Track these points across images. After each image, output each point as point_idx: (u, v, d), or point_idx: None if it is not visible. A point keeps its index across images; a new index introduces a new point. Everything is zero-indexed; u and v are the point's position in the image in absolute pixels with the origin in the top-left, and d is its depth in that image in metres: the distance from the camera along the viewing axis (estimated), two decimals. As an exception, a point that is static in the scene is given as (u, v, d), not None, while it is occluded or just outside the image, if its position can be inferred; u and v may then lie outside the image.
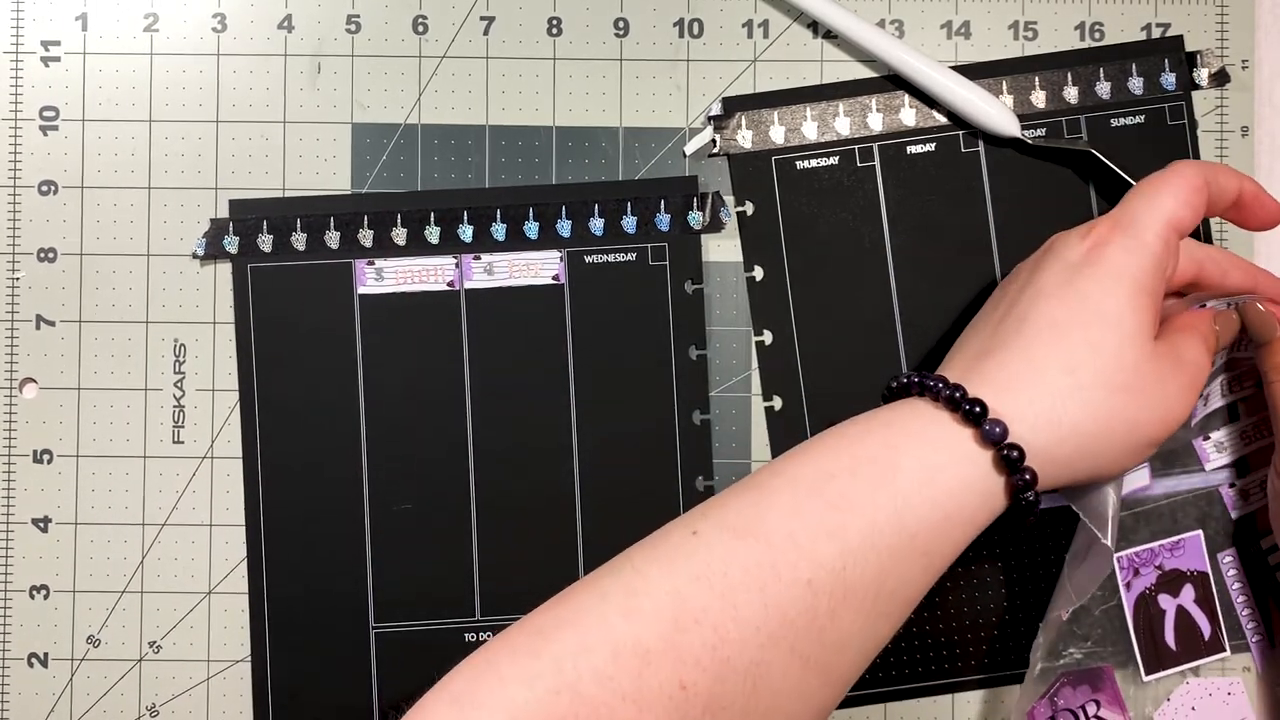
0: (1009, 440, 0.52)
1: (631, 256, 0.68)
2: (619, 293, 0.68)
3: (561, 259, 0.68)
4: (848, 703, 0.67)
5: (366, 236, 0.67)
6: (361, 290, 0.67)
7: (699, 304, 0.68)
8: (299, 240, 0.67)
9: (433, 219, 0.67)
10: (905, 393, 0.55)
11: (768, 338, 0.68)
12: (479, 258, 0.67)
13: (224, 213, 0.68)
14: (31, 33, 0.68)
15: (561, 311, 0.68)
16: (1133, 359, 0.53)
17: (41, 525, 0.68)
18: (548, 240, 0.68)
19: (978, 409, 0.52)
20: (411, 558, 0.67)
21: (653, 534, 0.52)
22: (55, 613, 0.68)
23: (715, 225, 0.68)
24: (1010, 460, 0.52)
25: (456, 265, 0.68)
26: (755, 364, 0.68)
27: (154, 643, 0.68)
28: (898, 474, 0.51)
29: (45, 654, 0.68)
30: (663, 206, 0.68)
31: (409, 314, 0.67)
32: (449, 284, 0.67)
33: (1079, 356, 0.53)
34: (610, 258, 0.68)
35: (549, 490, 0.67)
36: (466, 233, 0.67)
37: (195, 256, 0.68)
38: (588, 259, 0.68)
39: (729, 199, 0.68)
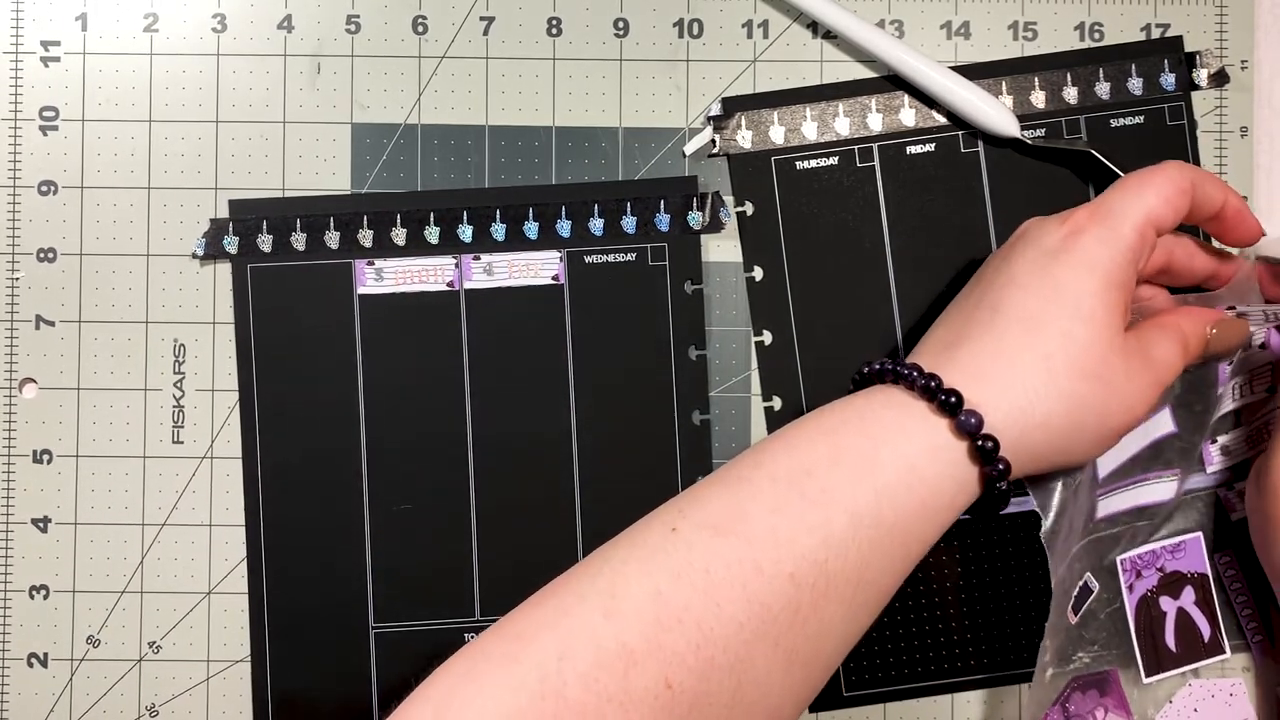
0: (984, 431, 0.52)
1: (631, 257, 0.68)
2: (619, 293, 0.68)
3: (561, 259, 0.68)
4: (848, 702, 0.67)
5: (366, 236, 0.67)
6: (361, 290, 0.67)
7: (699, 304, 0.68)
8: (299, 240, 0.67)
9: (432, 219, 0.67)
10: (879, 378, 0.55)
11: (767, 338, 0.68)
12: (479, 258, 0.67)
13: (224, 213, 0.68)
14: (31, 33, 0.68)
15: (561, 312, 0.68)
16: (1102, 350, 0.53)
17: (41, 525, 0.68)
18: (547, 240, 0.68)
19: (953, 399, 0.52)
20: (411, 558, 0.67)
21: (627, 530, 0.52)
22: (55, 613, 0.68)
23: (715, 225, 0.68)
24: (985, 451, 0.52)
25: (456, 265, 0.68)
26: (755, 364, 0.68)
27: (154, 643, 0.68)
28: (876, 465, 0.51)
29: (45, 654, 0.68)
30: (662, 206, 0.68)
31: (409, 314, 0.67)
32: (448, 284, 0.67)
33: (1052, 346, 0.53)
34: (610, 258, 0.68)
35: (548, 490, 0.67)
36: (466, 233, 0.67)
37: (195, 256, 0.68)
38: (587, 259, 0.68)
39: (729, 199, 0.68)
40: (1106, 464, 0.65)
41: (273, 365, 0.68)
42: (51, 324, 0.68)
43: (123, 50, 0.68)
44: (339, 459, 0.67)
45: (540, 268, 0.68)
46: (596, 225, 0.67)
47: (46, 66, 0.68)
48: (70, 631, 0.68)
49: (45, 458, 0.68)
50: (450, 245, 0.67)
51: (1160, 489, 0.65)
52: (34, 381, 0.68)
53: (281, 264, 0.67)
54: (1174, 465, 0.65)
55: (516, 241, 0.67)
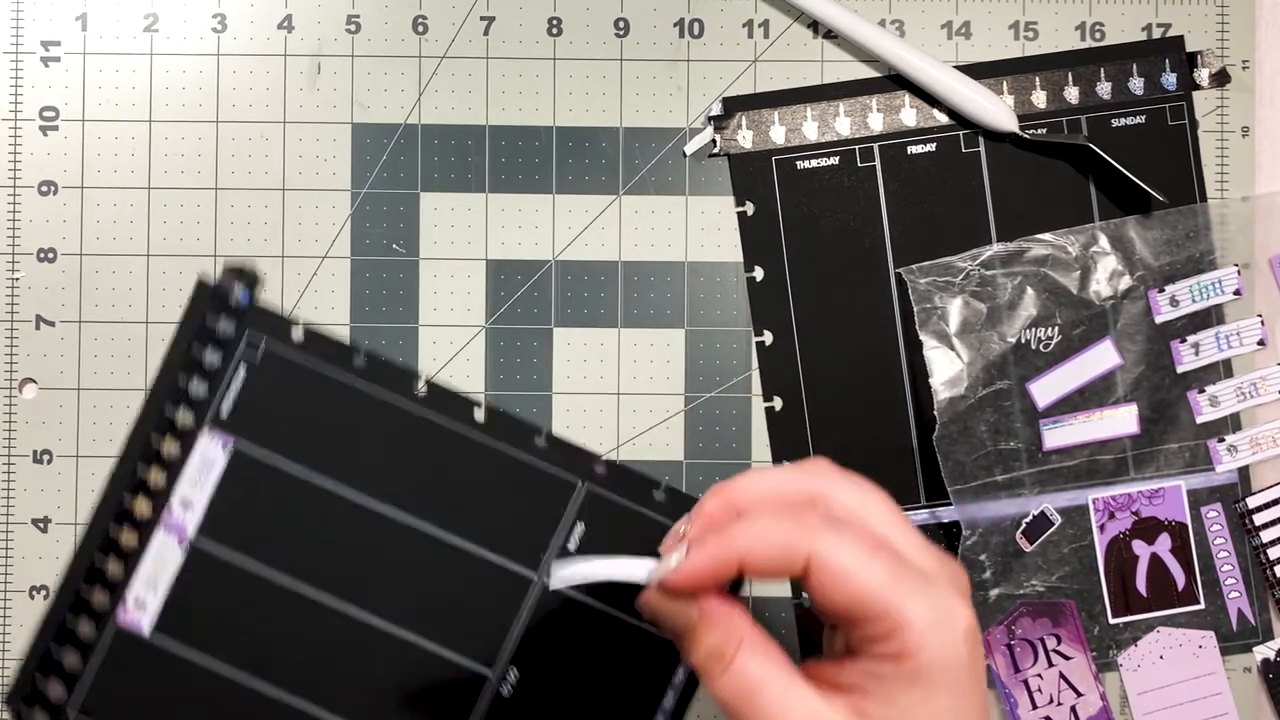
0: None
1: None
2: None
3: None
4: (848, 703, 0.67)
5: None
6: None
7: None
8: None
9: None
10: None
11: (768, 338, 0.68)
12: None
13: (224, 213, 0.68)
14: (31, 33, 0.68)
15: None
16: None
17: (41, 525, 0.68)
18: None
19: None
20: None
21: None
22: (55, 613, 0.68)
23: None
24: None
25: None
26: (755, 364, 0.68)
27: (154, 643, 0.68)
28: None
29: (45, 654, 0.68)
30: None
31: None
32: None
33: None
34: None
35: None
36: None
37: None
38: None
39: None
40: (1046, 394, 0.67)
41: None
42: (51, 324, 0.68)
43: (123, 50, 0.68)
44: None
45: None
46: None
47: (46, 66, 0.68)
48: (70, 632, 0.68)
49: (45, 458, 0.68)
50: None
51: (1118, 422, 0.66)
52: (34, 382, 0.68)
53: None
54: (1129, 397, 0.67)
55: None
